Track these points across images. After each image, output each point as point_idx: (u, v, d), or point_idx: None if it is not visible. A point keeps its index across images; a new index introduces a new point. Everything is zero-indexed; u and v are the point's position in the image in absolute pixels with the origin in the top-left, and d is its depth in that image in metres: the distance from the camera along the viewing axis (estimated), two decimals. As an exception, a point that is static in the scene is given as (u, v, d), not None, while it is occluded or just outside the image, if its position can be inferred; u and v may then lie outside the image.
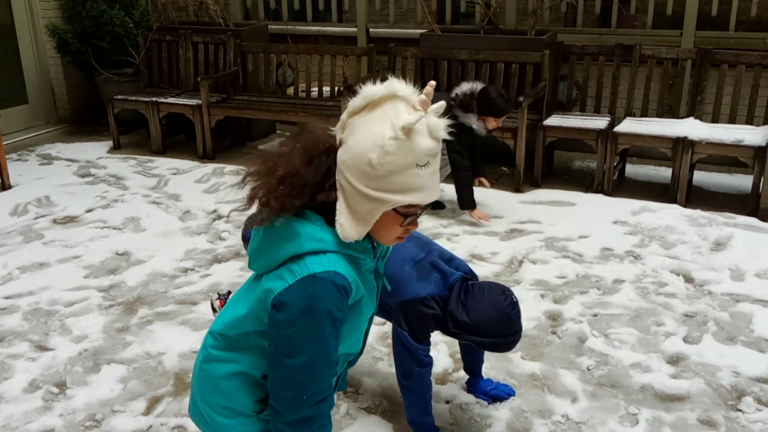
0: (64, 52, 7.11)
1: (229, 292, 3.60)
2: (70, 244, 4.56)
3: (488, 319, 2.45)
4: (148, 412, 2.93)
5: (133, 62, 6.98)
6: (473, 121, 4.47)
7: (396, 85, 1.64)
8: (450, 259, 2.62)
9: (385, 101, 1.63)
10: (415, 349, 2.54)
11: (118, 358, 3.30)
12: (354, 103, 1.66)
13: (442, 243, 4.46)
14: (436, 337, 3.25)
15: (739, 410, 2.89)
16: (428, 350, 2.59)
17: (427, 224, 4.79)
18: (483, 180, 4.94)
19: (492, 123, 4.52)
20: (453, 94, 4.50)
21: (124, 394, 3.05)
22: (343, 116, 1.69)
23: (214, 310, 3.57)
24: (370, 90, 1.64)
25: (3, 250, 4.47)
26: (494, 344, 2.52)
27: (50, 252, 4.44)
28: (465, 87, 4.53)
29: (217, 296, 3.61)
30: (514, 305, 2.49)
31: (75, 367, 3.23)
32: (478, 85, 4.54)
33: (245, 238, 3.46)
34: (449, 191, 4.88)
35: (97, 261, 4.31)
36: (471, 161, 4.75)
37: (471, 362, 2.96)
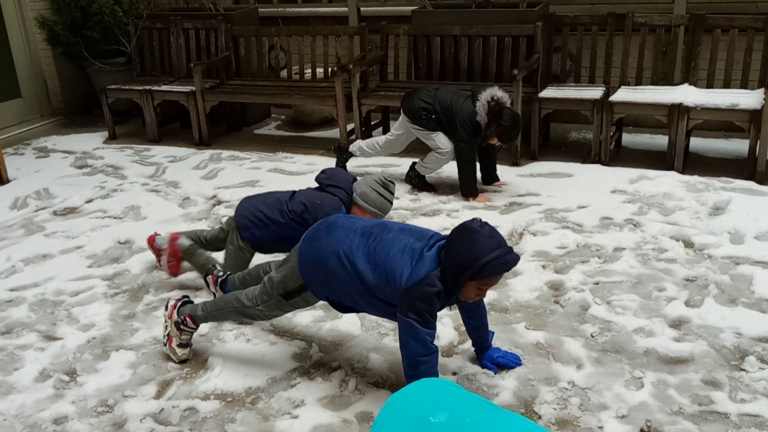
0: (55, 44, 7.07)
1: (226, 273, 3.56)
2: (72, 234, 4.57)
3: (464, 245, 2.52)
4: (159, 395, 2.96)
5: (125, 51, 6.95)
6: (487, 128, 4.56)
7: None
8: (432, 235, 2.70)
9: None
10: (422, 335, 2.60)
11: (126, 345, 3.33)
12: None
13: (442, 219, 4.48)
14: (440, 312, 3.29)
15: (743, 370, 2.92)
16: (434, 335, 2.65)
17: (426, 201, 4.81)
18: (497, 185, 5.01)
19: (495, 140, 4.65)
20: (489, 96, 4.55)
21: (135, 379, 3.08)
22: None
23: (207, 284, 3.56)
24: None
25: (5, 244, 4.48)
26: (486, 265, 2.48)
27: (52, 243, 4.45)
28: (499, 93, 4.58)
29: (212, 271, 3.56)
30: (480, 223, 2.58)
31: (84, 354, 3.25)
32: (507, 99, 4.60)
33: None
34: (448, 169, 4.90)
35: (100, 250, 4.33)
36: (485, 167, 4.96)
37: (477, 337, 3.00)
